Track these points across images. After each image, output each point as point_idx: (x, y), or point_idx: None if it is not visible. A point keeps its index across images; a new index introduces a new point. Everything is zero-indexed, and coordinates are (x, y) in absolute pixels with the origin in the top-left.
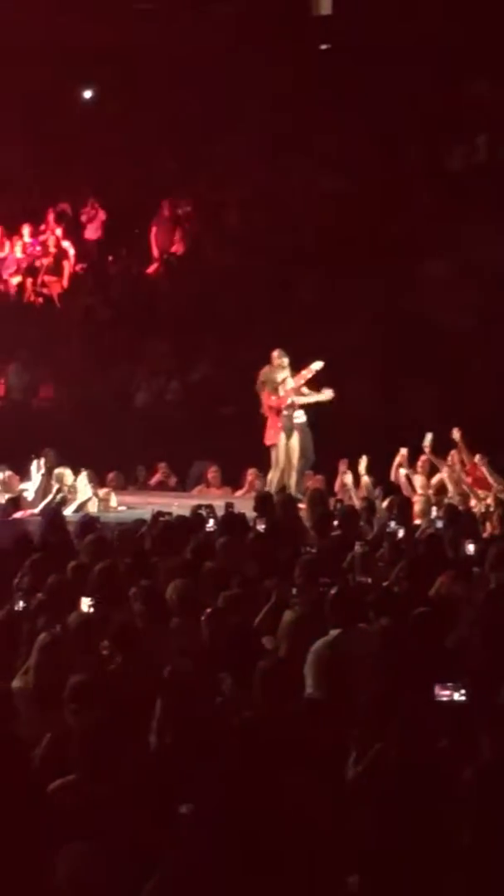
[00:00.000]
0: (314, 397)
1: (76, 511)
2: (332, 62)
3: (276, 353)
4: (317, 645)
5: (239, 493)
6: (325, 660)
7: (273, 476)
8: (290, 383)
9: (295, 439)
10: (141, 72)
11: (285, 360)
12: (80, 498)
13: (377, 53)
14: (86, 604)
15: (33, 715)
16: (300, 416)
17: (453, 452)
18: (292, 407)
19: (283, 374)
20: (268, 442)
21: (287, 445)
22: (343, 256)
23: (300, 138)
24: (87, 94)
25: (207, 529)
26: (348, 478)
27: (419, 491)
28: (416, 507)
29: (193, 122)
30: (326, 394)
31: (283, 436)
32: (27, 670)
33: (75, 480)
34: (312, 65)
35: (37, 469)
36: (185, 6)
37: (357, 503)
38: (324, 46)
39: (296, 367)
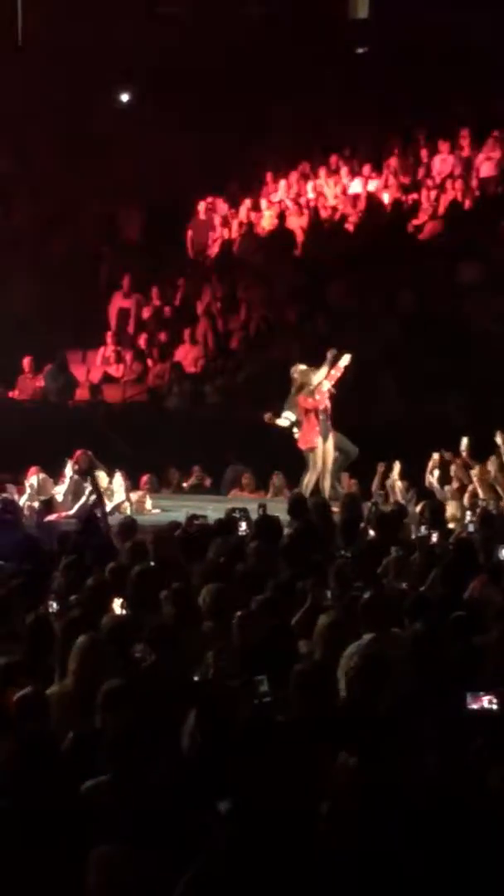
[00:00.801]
0: (342, 362)
1: (110, 513)
2: (369, 65)
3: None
4: (350, 649)
5: (267, 496)
6: (358, 664)
7: (310, 479)
8: (326, 385)
9: (330, 442)
10: (176, 74)
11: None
12: (115, 500)
13: (414, 57)
14: (118, 606)
15: (73, 719)
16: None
17: (492, 458)
18: (327, 411)
19: (318, 377)
20: (303, 446)
21: (324, 448)
22: (374, 260)
23: (336, 141)
24: (125, 97)
25: (241, 533)
26: (390, 481)
27: (452, 496)
28: (449, 512)
29: (230, 125)
30: (346, 358)
31: (319, 439)
32: (66, 674)
33: (110, 483)
34: (349, 68)
35: (70, 471)
36: (221, 9)
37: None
38: (360, 50)
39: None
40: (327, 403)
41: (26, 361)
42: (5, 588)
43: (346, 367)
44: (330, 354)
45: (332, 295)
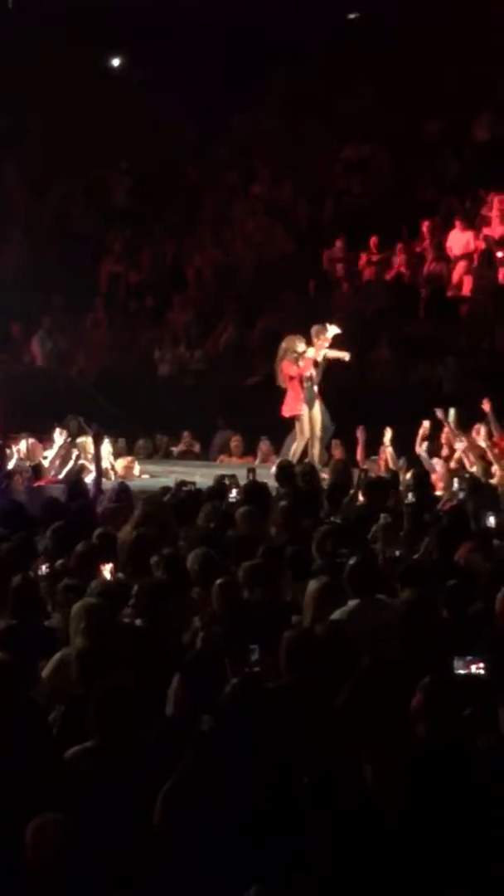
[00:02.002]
0: (335, 353)
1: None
2: (360, 31)
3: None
4: (335, 615)
5: (255, 462)
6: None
7: (298, 446)
8: (311, 353)
9: (317, 409)
10: (165, 40)
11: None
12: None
13: (406, 23)
14: (107, 571)
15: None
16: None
17: (478, 425)
18: (312, 378)
19: (302, 346)
20: (287, 413)
21: (310, 416)
22: (365, 225)
23: (324, 106)
24: (115, 60)
25: (231, 499)
26: (381, 448)
27: (440, 463)
28: (439, 479)
29: (218, 90)
30: (345, 354)
31: (305, 407)
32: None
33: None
34: (340, 33)
35: (59, 437)
36: None
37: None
38: (352, 15)
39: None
40: (313, 371)
41: (15, 327)
42: None
43: (335, 337)
44: (315, 329)
45: (323, 260)
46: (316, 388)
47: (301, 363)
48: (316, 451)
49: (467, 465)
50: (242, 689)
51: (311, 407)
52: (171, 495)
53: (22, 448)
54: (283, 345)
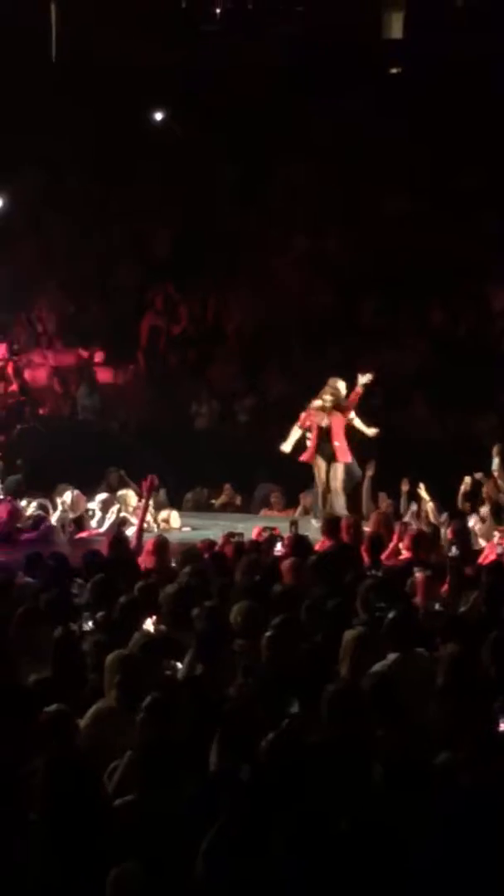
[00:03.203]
0: (362, 426)
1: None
2: (403, 86)
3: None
4: (375, 668)
5: (296, 515)
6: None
7: (315, 494)
8: (317, 404)
9: (337, 465)
10: (208, 94)
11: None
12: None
13: (447, 76)
14: (150, 624)
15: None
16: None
17: None
18: (330, 430)
19: (328, 398)
20: (305, 458)
21: (330, 467)
22: (406, 279)
23: (369, 161)
24: (158, 116)
25: (276, 553)
26: (422, 502)
27: (483, 517)
28: (483, 532)
29: (261, 143)
30: (371, 431)
31: (317, 456)
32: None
33: (139, 501)
34: (382, 88)
35: (103, 489)
36: (252, 28)
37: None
38: (394, 70)
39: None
40: (327, 422)
41: (56, 380)
42: (32, 605)
43: (367, 385)
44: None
45: (365, 314)
46: (338, 443)
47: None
48: (341, 501)
49: None
50: (278, 742)
51: (327, 461)
52: (218, 547)
53: (66, 499)
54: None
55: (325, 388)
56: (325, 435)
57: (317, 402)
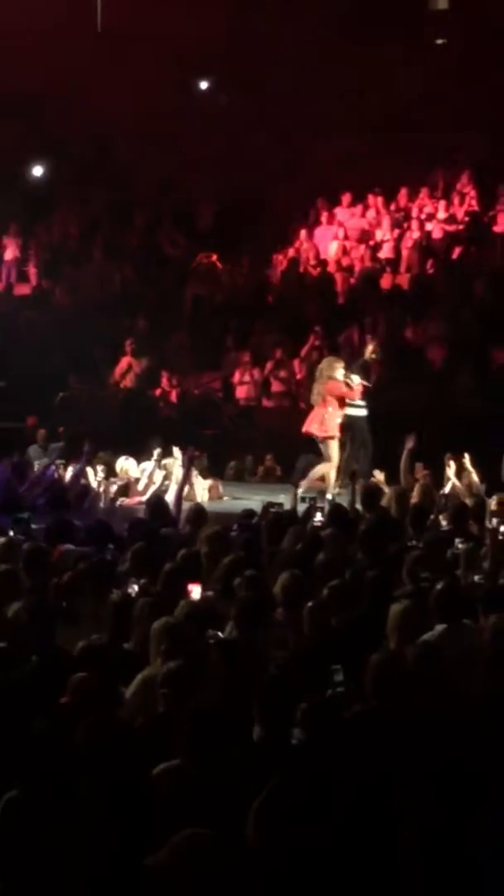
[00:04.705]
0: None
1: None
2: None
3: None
4: (422, 639)
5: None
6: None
7: (325, 471)
8: (356, 379)
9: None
10: (253, 64)
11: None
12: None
13: (493, 47)
14: (196, 591)
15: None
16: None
17: None
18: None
19: (341, 370)
20: (321, 433)
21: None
22: (449, 247)
23: (413, 132)
24: (202, 85)
25: (315, 523)
26: (465, 473)
27: None
28: None
29: (307, 115)
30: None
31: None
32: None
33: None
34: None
35: (151, 458)
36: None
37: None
38: (439, 41)
39: None
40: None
41: (99, 351)
42: (73, 572)
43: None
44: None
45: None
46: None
47: (353, 387)
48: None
49: None
50: (315, 713)
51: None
52: (258, 517)
53: (125, 465)
54: (322, 366)
55: (326, 361)
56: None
57: (332, 376)
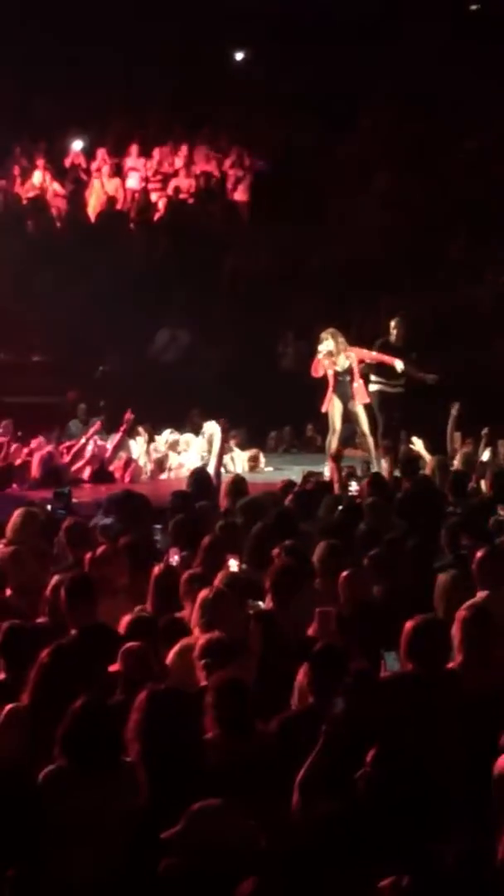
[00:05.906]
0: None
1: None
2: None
3: None
4: (465, 606)
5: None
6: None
7: (329, 440)
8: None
9: (358, 406)
10: (289, 33)
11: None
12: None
13: None
14: (234, 563)
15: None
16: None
17: None
18: (352, 373)
19: (328, 345)
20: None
21: (353, 411)
22: (490, 216)
23: (448, 100)
24: (239, 55)
25: (351, 492)
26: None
27: None
28: None
29: (343, 82)
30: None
31: (336, 401)
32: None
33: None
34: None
35: (187, 430)
36: None
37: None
38: (474, 7)
39: None
40: (348, 365)
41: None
42: (110, 545)
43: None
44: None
45: (447, 251)
46: (357, 384)
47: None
48: (370, 442)
49: None
50: (362, 680)
51: (344, 402)
52: (299, 486)
53: (166, 437)
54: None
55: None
56: (345, 376)
57: (324, 347)
